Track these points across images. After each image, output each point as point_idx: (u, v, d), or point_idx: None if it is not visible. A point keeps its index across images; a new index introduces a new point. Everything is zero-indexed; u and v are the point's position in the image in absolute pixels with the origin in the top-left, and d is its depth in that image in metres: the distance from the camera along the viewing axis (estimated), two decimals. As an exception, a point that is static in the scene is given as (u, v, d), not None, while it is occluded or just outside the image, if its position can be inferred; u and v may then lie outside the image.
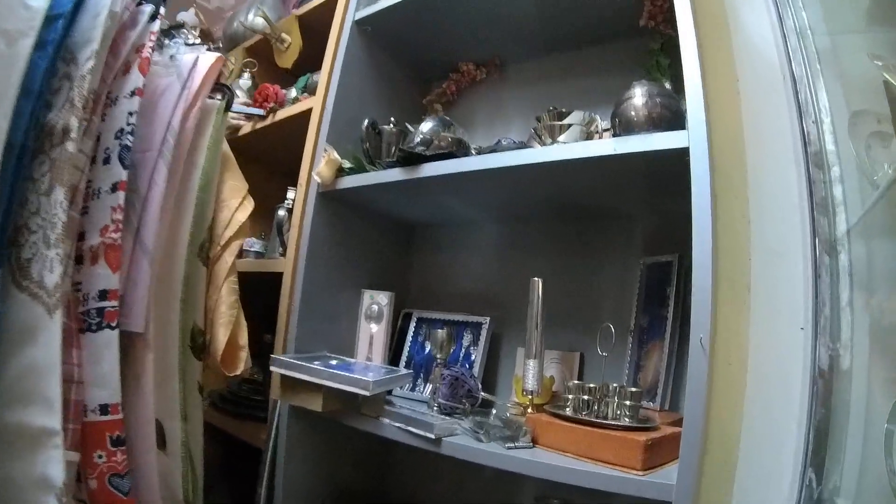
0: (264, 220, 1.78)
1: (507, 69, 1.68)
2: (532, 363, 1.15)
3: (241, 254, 1.78)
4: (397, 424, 1.10)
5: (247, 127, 1.83)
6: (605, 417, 1.03)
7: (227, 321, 1.32)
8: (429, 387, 1.45)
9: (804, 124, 1.22)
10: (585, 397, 1.01)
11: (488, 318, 1.43)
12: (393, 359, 1.56)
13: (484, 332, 1.42)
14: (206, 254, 1.33)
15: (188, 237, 1.24)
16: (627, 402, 0.99)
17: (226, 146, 1.45)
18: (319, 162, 1.38)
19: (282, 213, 1.67)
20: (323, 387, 1.13)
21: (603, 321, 1.33)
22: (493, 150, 1.17)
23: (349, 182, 1.34)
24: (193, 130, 1.26)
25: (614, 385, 1.06)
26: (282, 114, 1.72)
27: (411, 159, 1.20)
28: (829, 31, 1.22)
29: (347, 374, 1.11)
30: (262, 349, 1.50)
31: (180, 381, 1.22)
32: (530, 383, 1.15)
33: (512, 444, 1.00)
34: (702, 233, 0.87)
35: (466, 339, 1.46)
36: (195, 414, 1.34)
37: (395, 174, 1.24)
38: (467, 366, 1.42)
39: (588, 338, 1.35)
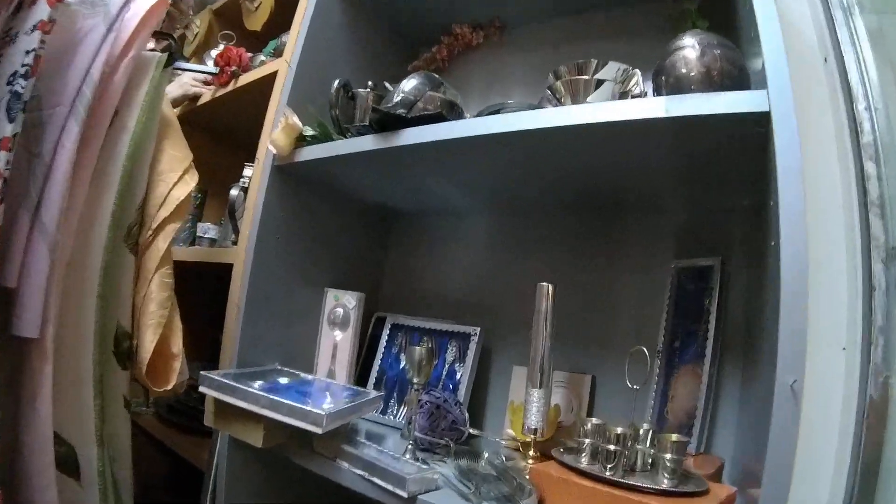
0: (225, 203, 1.52)
1: (509, 33, 1.41)
2: (537, 395, 0.89)
3: (195, 240, 1.53)
4: (359, 472, 0.84)
5: (207, 95, 1.56)
6: (633, 471, 0.78)
7: (157, 323, 1.08)
8: (403, 409, 1.19)
9: (855, 111, 1.03)
10: (611, 447, 0.75)
11: (478, 329, 1.17)
12: (362, 372, 1.29)
13: (473, 346, 1.16)
14: (135, 239, 1.09)
15: (110, 218, 1.01)
16: (668, 456, 0.74)
17: (168, 109, 1.20)
18: (276, 129, 1.11)
19: (235, 192, 1.39)
20: (264, 417, 0.86)
21: (620, 337, 1.09)
22: (495, 111, 0.90)
23: (311, 153, 1.07)
24: (123, 85, 1.04)
25: (646, 427, 0.82)
26: (245, 79, 1.46)
27: (388, 123, 0.93)
28: (875, 10, 1.06)
29: (294, 402, 0.84)
30: (215, 353, 1.23)
31: (97, 397, 1.00)
32: (534, 420, 0.89)
33: (512, 510, 0.74)
34: (793, 231, 0.62)
35: (451, 352, 1.19)
36: (120, 435, 1.13)
37: (366, 143, 0.96)
38: (450, 387, 1.16)
39: (601, 357, 1.09)
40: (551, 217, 1.21)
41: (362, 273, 1.37)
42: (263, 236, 1.12)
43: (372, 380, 1.25)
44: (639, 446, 0.79)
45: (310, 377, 1.10)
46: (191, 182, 1.16)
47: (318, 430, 0.81)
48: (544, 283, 0.93)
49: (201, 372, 0.92)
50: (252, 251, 1.09)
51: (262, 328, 1.13)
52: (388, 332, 1.28)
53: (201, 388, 0.92)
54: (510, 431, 1.05)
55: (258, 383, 0.97)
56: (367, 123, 0.98)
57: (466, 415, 1.04)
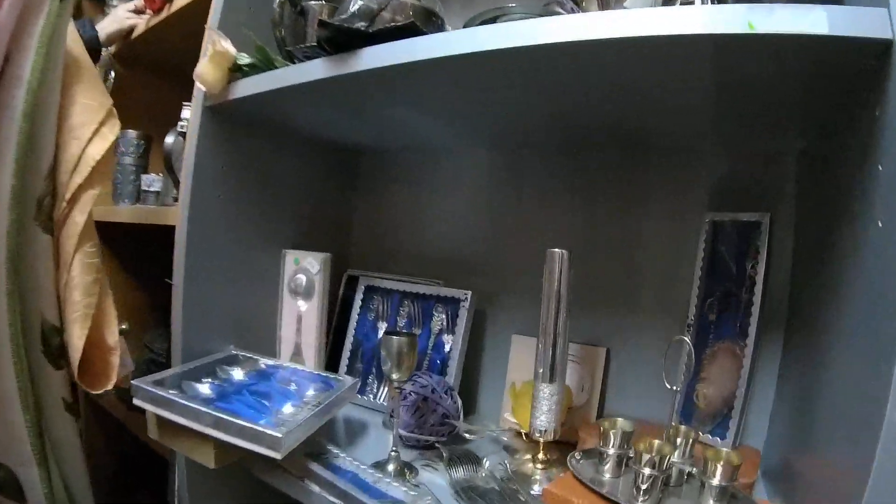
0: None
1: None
2: (548, 391, 0.72)
3: (140, 196, 1.31)
4: (333, 500, 0.68)
5: (142, 26, 1.29)
6: (667, 485, 0.63)
7: (83, 315, 0.90)
8: (384, 389, 1.03)
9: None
10: (647, 472, 0.59)
11: (469, 294, 0.98)
12: (336, 339, 1.12)
13: (464, 314, 0.98)
14: (47, 215, 0.89)
15: (10, 194, 0.83)
16: (715, 482, 0.58)
17: (76, 47, 0.94)
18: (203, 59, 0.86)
19: (170, 140, 1.15)
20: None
21: (642, 304, 0.92)
22: (490, 19, 0.66)
23: (249, 87, 0.83)
24: (11, 26, 0.81)
25: (685, 430, 0.66)
26: (180, 1, 1.17)
27: (342, 41, 0.69)
28: None
29: (245, 420, 0.66)
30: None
31: (27, 411, 0.86)
32: (544, 420, 0.73)
33: (525, 552, 0.59)
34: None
35: (437, 321, 1.01)
36: (66, 443, 0.98)
37: (315, 69, 0.72)
38: (438, 363, 0.99)
39: (617, 327, 0.93)
40: (557, 155, 1.00)
41: (328, 227, 1.16)
42: (201, 194, 0.89)
43: (346, 354, 1.07)
44: (675, 460, 0.64)
45: (270, 363, 0.92)
46: (110, 135, 0.94)
47: (277, 456, 0.64)
48: (556, 250, 0.73)
49: (132, 382, 0.73)
50: (187, 214, 0.87)
51: (210, 304, 0.93)
52: (361, 295, 1.09)
53: (135, 401, 0.73)
54: (510, 418, 0.90)
55: (205, 385, 0.79)
56: (314, 44, 0.74)
57: (459, 402, 0.88)
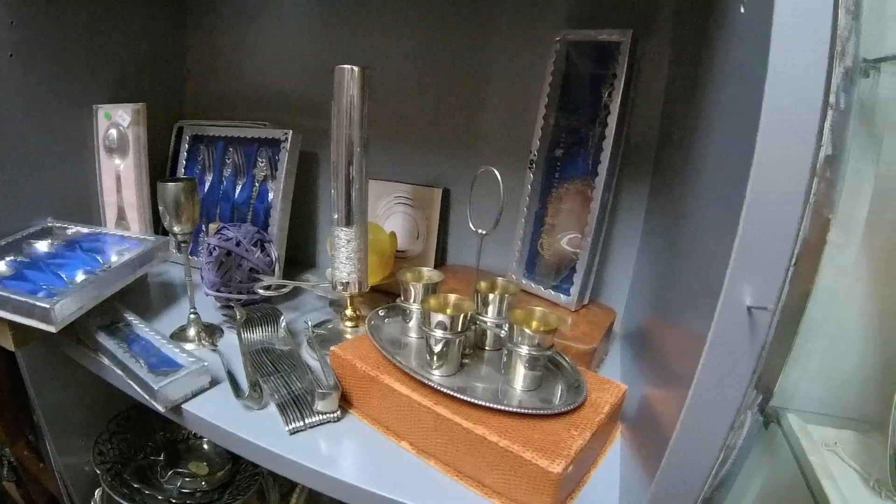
0: None
1: None
2: (345, 235, 0.65)
3: None
4: (118, 371, 0.64)
5: None
6: (480, 347, 0.58)
7: None
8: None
9: None
10: (438, 333, 0.51)
11: (289, 133, 0.87)
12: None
13: (284, 156, 0.88)
14: None
15: None
16: (526, 349, 0.49)
17: None
18: None
19: None
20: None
21: (481, 139, 0.82)
22: None
23: None
24: None
25: (502, 282, 0.59)
26: None
27: None
28: None
29: (21, 294, 0.60)
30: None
31: None
32: (344, 271, 0.67)
33: (299, 424, 0.56)
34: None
35: (261, 166, 0.92)
36: None
37: None
38: (262, 213, 0.91)
39: (456, 166, 0.84)
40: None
41: (155, 75, 1.00)
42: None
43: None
44: (488, 319, 0.57)
45: (84, 232, 0.84)
46: None
47: (52, 329, 0.60)
48: (345, 66, 0.60)
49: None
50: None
51: (18, 178, 0.80)
52: (186, 146, 0.98)
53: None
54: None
55: (5, 261, 0.72)
56: None
57: (274, 255, 0.80)
